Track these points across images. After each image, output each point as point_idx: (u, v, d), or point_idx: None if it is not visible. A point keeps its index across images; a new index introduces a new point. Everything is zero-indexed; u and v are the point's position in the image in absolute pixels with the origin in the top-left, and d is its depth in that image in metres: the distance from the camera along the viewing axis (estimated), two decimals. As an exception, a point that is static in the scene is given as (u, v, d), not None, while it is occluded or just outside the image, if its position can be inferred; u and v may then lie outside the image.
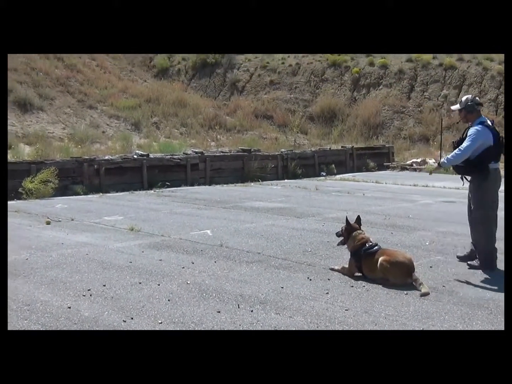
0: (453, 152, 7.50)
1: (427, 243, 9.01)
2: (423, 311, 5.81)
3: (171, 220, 11.11)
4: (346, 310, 5.85)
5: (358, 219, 7.50)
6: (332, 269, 7.40)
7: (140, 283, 6.78)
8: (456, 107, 7.92)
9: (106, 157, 17.78)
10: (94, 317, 5.62)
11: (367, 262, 6.96)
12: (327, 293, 6.43)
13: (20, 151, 20.18)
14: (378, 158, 24.65)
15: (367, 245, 7.07)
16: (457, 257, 7.94)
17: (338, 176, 21.27)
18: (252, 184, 18.68)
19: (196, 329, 5.30)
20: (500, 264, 7.10)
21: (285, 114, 32.80)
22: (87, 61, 33.90)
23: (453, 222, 10.78)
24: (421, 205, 13.56)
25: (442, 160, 7.83)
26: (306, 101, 34.59)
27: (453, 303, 6.11)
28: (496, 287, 6.59)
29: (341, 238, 7.47)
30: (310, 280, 6.96)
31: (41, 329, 5.28)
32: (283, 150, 22.48)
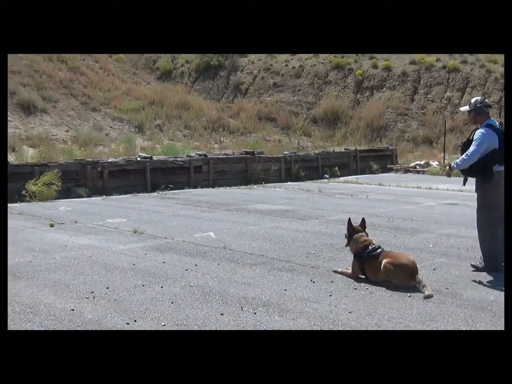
0: (461, 157, 7.53)
1: (430, 245, 9.00)
2: (426, 314, 5.80)
3: (175, 223, 11.11)
4: (349, 312, 5.85)
5: (363, 222, 7.49)
6: (335, 272, 7.40)
7: (143, 285, 6.78)
8: (465, 108, 7.92)
9: (110, 160, 17.79)
10: (98, 319, 5.62)
11: (370, 265, 6.96)
12: (330, 295, 6.43)
13: (24, 154, 20.20)
14: (381, 161, 24.63)
15: (370, 247, 7.07)
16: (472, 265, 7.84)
17: (341, 179, 21.24)
18: (255, 186, 18.68)
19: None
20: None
21: (289, 117, 32.81)
22: (90, 63, 33.95)
23: (457, 224, 10.76)
24: (424, 207, 13.54)
25: (452, 163, 7.83)
26: (309, 103, 34.59)
27: (457, 305, 6.10)
28: (500, 289, 6.57)
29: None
30: (313, 282, 6.95)
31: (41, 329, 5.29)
32: (286, 152, 22.46)
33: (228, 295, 6.40)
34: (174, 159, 18.77)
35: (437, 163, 24.10)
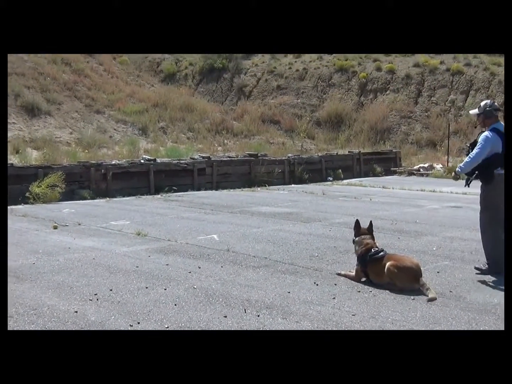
0: (464, 161, 7.61)
1: (434, 248, 8.98)
2: (430, 316, 5.79)
3: (178, 225, 11.11)
4: (353, 315, 5.84)
5: (370, 225, 7.45)
6: (339, 274, 7.40)
7: (146, 287, 6.78)
8: (474, 111, 7.96)
9: (113, 162, 17.82)
10: (101, 321, 5.62)
11: (373, 268, 6.95)
12: (334, 298, 6.42)
13: (28, 156, 20.26)
14: (385, 163, 24.61)
15: (372, 250, 7.06)
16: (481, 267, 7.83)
17: (345, 181, 21.25)
18: (259, 189, 18.68)
19: (202, 333, 5.30)
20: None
21: (292, 119, 32.83)
22: (94, 66, 34.03)
23: (460, 227, 10.75)
24: (428, 210, 13.52)
25: (457, 169, 7.87)
26: (313, 106, 34.60)
27: (460, 308, 6.09)
28: (504, 293, 6.55)
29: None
30: (317, 285, 6.95)
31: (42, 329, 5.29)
32: (290, 155, 22.47)
33: (231, 298, 6.39)
34: (177, 161, 18.78)
35: (441, 166, 24.08)
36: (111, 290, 6.68)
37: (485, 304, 6.24)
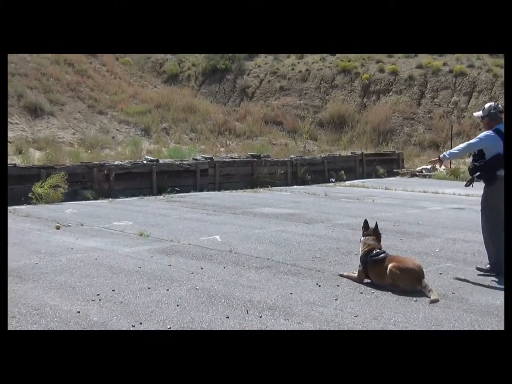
0: (458, 146, 7.87)
1: (436, 250, 8.98)
2: (432, 318, 5.79)
3: (180, 226, 11.11)
4: (355, 316, 5.83)
5: (375, 227, 7.44)
6: (341, 275, 7.39)
7: (149, 288, 6.79)
8: (479, 114, 8.05)
9: (116, 163, 17.83)
10: (103, 321, 5.62)
11: (375, 269, 6.94)
12: (336, 299, 6.42)
13: (30, 156, 20.28)
14: (387, 165, 24.58)
15: (374, 251, 7.05)
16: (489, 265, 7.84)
17: (347, 182, 21.24)
18: (261, 190, 18.67)
19: (204, 334, 5.30)
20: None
21: (295, 120, 32.83)
22: (97, 66, 34.06)
23: (463, 229, 10.74)
24: (430, 211, 13.51)
25: (444, 154, 8.03)
26: (316, 107, 34.61)
27: (463, 310, 6.08)
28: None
29: None
30: (319, 286, 6.94)
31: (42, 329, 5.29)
32: (292, 156, 22.46)
33: (233, 298, 6.39)
34: (180, 162, 18.79)
35: (444, 167, 24.04)
36: (113, 290, 6.68)
37: (488, 306, 6.24)
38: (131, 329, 5.42)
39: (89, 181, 16.26)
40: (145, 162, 18.13)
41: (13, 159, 19.17)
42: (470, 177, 7.93)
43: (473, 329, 5.51)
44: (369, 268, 7.02)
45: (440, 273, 7.56)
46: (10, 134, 23.09)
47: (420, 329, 5.48)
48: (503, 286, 6.79)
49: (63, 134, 25.23)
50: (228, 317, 5.75)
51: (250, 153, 22.27)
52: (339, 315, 5.86)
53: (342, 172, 22.33)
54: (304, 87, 36.05)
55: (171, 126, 29.59)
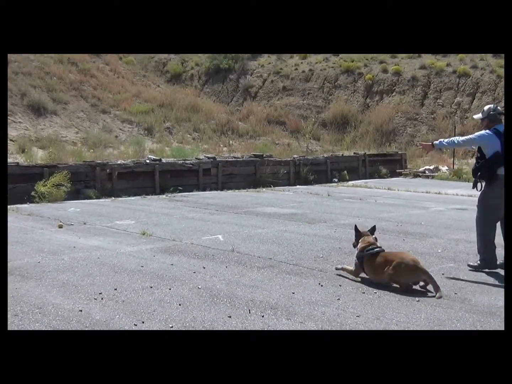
0: (451, 139, 8.07)
1: (439, 250, 8.97)
2: (434, 318, 5.78)
3: (183, 225, 11.12)
4: (357, 316, 5.83)
5: (373, 229, 7.56)
6: (337, 269, 7.45)
7: (151, 287, 6.79)
8: (478, 116, 8.18)
9: (119, 162, 17.84)
10: (105, 320, 5.62)
11: (370, 263, 7.03)
12: (339, 299, 6.41)
13: (33, 155, 20.29)
14: (390, 165, 24.58)
15: (370, 246, 7.12)
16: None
17: (350, 183, 21.23)
18: (264, 189, 18.67)
19: (206, 333, 5.30)
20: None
21: (298, 120, 32.81)
22: (100, 66, 34.09)
23: (466, 230, 10.73)
24: (433, 212, 13.50)
25: (438, 141, 8.22)
26: (319, 107, 34.59)
27: (465, 310, 6.07)
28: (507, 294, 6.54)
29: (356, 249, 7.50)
30: (322, 286, 6.94)
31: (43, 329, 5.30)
32: (295, 156, 22.46)
33: (236, 298, 6.39)
34: (183, 161, 18.80)
35: (447, 168, 24.05)
36: (115, 289, 6.68)
37: (490, 306, 6.23)
38: (133, 327, 5.42)
39: (92, 180, 16.28)
40: (148, 161, 18.14)
41: (16, 158, 19.20)
42: (474, 179, 8.04)
43: (475, 329, 5.51)
44: (364, 263, 7.09)
45: (443, 274, 7.56)
46: (13, 133, 23.12)
47: (422, 329, 5.48)
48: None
49: (66, 133, 25.25)
50: (230, 317, 5.75)
51: (253, 153, 22.28)
52: (341, 315, 5.86)
53: (345, 172, 22.34)
54: (307, 87, 36.03)
55: (174, 125, 29.60)
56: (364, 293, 6.67)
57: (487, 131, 7.78)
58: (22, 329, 5.33)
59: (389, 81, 34.35)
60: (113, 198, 15.60)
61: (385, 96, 33.97)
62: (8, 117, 23.84)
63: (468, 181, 8.29)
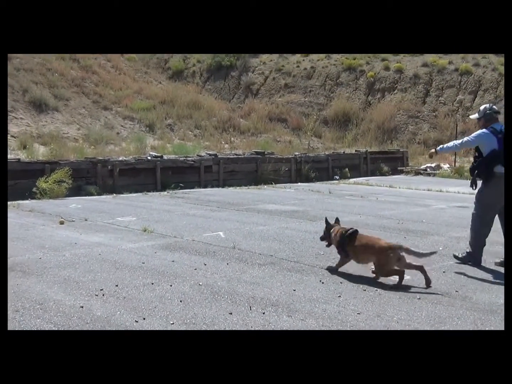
0: (450, 143, 8.27)
1: (440, 248, 8.96)
2: (435, 316, 5.78)
3: (184, 222, 11.12)
4: (358, 313, 5.83)
5: (337, 220, 7.82)
6: (331, 271, 7.53)
7: (152, 283, 6.79)
8: (475, 116, 8.32)
9: (120, 158, 17.84)
10: (106, 316, 5.63)
11: (352, 244, 7.24)
12: (339, 296, 6.41)
13: (35, 151, 20.30)
14: (392, 163, 24.59)
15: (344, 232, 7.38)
16: (495, 263, 7.98)
17: (351, 180, 21.23)
18: (265, 186, 18.68)
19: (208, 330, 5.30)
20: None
21: (299, 118, 32.81)
22: (102, 62, 34.08)
23: (467, 227, 10.63)
24: (434, 210, 13.50)
25: (439, 147, 8.51)
26: (320, 104, 34.58)
27: (466, 308, 6.07)
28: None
29: (325, 242, 7.81)
30: (323, 283, 6.94)
31: (44, 329, 5.30)
32: (297, 153, 22.47)
33: (237, 295, 6.40)
34: (184, 158, 18.80)
35: (448, 165, 24.04)
36: (117, 285, 6.69)
37: (491, 304, 6.23)
38: (134, 324, 5.42)
39: (93, 177, 16.29)
40: (149, 158, 18.15)
41: (17, 154, 19.22)
42: (472, 177, 8.13)
43: (476, 327, 5.51)
44: (347, 246, 7.28)
45: (444, 271, 7.56)
46: (14, 129, 23.13)
47: (423, 326, 5.48)
48: (506, 285, 6.82)
49: (67, 130, 25.25)
50: (231, 313, 5.75)
51: (254, 150, 22.28)
52: (342, 312, 5.86)
53: (347, 169, 22.35)
54: (309, 85, 36.02)
55: (175, 122, 29.60)
56: (365, 290, 6.67)
57: (484, 130, 7.88)
58: (23, 325, 5.34)
59: (391, 79, 34.33)
60: (114, 194, 15.61)
61: (386, 93, 33.96)
62: (10, 113, 23.86)
63: (469, 179, 8.33)
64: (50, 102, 26.74)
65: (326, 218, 7.83)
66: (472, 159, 8.09)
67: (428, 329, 5.42)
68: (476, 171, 7.95)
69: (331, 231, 7.61)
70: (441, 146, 8.54)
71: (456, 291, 6.69)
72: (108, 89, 30.80)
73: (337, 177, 21.69)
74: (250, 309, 5.91)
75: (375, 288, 6.72)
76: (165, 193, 16.33)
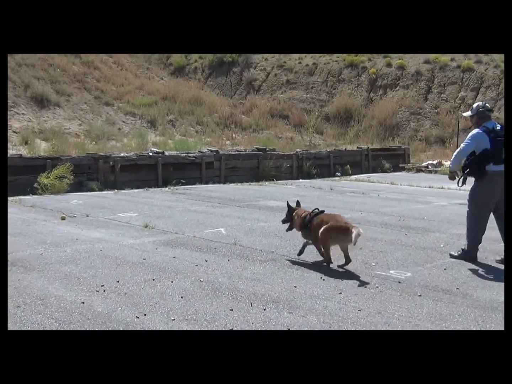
0: (453, 155, 8.18)
1: (441, 245, 8.97)
2: (436, 313, 5.79)
3: (185, 218, 11.12)
4: (359, 310, 5.84)
5: (298, 203, 8.29)
6: (316, 263, 7.76)
7: (153, 279, 6.80)
8: (468, 113, 8.38)
9: (122, 154, 17.85)
10: (107, 312, 5.64)
11: (315, 228, 7.54)
12: (340, 293, 6.42)
13: (36, 147, 20.30)
14: (393, 160, 24.57)
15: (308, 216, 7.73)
16: (496, 260, 8.00)
17: (353, 177, 21.22)
18: (266, 183, 18.67)
19: (208, 326, 5.31)
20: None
21: (301, 114, 32.78)
22: (104, 58, 34.05)
23: (468, 225, 10.71)
24: (436, 207, 13.50)
25: (450, 168, 8.46)
26: (322, 101, 34.54)
27: (467, 305, 6.08)
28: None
29: (287, 224, 8.20)
30: (323, 280, 6.94)
31: (45, 324, 5.31)
32: (298, 150, 22.47)
33: (238, 291, 6.40)
34: (186, 154, 18.81)
35: (449, 162, 23.98)
36: (118, 281, 6.69)
37: (492, 301, 6.23)
38: (135, 320, 5.43)
39: (95, 173, 16.30)
40: (150, 154, 18.16)
41: (19, 150, 19.24)
42: (461, 175, 8.20)
43: (477, 324, 5.51)
44: (311, 228, 7.59)
45: (445, 269, 7.56)
46: (16, 125, 23.14)
47: (423, 323, 5.48)
48: (507, 282, 6.81)
49: (69, 125, 25.25)
50: (232, 310, 5.76)
51: (256, 147, 22.29)
52: (343, 309, 5.87)
53: (348, 166, 22.34)
54: (310, 81, 35.98)
55: (177, 118, 29.59)
56: (366, 287, 6.67)
57: (478, 130, 7.89)
58: (25, 320, 5.34)
59: (393, 76, 34.28)
60: (115, 190, 15.62)
61: (388, 90, 33.91)
62: (12, 109, 23.87)
63: (469, 176, 8.36)
64: (52, 98, 26.73)
65: (287, 202, 8.23)
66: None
67: (429, 326, 5.42)
68: (468, 169, 7.99)
69: (293, 214, 7.96)
70: (449, 165, 8.46)
71: (457, 288, 6.70)
72: (110, 85, 30.78)
73: (339, 174, 21.68)
74: (251, 306, 5.91)
75: (376, 285, 6.73)
76: (167, 189, 16.33)
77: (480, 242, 8.04)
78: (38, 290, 6.33)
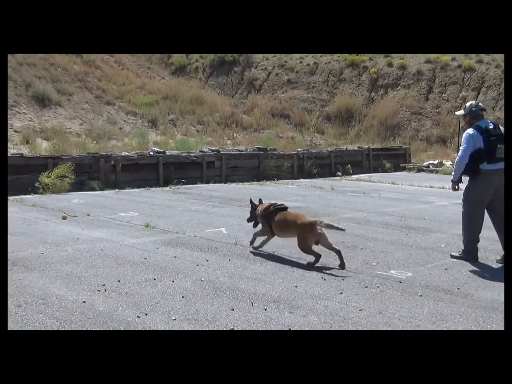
0: (455, 164, 8.13)
1: (442, 245, 8.97)
2: (437, 313, 5.79)
3: (186, 217, 11.13)
4: (360, 310, 5.84)
5: (260, 201, 8.61)
6: (253, 246, 8.33)
7: (154, 279, 6.80)
8: (460, 112, 8.43)
9: (123, 154, 17.85)
10: (109, 312, 5.64)
11: (278, 220, 7.92)
12: (341, 293, 6.42)
13: (38, 146, 20.29)
14: (394, 159, 24.56)
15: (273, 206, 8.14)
16: (497, 260, 8.03)
17: (354, 177, 21.21)
18: (267, 182, 18.67)
19: (209, 326, 5.31)
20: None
21: (302, 114, 32.76)
22: (105, 57, 34.03)
23: (469, 225, 10.71)
24: (437, 206, 13.49)
25: (452, 178, 8.34)
26: (323, 100, 34.52)
27: (468, 305, 6.08)
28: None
29: (252, 222, 8.56)
30: (324, 280, 6.95)
31: (46, 324, 5.31)
32: (299, 149, 22.46)
33: (238, 291, 6.41)
34: (187, 154, 18.81)
35: (451, 162, 23.98)
36: (119, 281, 6.70)
37: (493, 301, 6.24)
38: (136, 319, 5.43)
39: (96, 172, 16.30)
40: (151, 153, 18.16)
41: (20, 149, 19.23)
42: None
43: (477, 324, 5.52)
44: (272, 221, 7.90)
45: (446, 269, 7.57)
46: (17, 124, 23.14)
47: (424, 323, 5.49)
48: (508, 282, 6.81)
49: (70, 125, 25.24)
50: (233, 309, 5.77)
51: (257, 146, 22.28)
52: (344, 309, 5.87)
53: (349, 166, 22.33)
54: (312, 81, 35.96)
55: (178, 117, 29.58)
56: (366, 287, 6.68)
57: (472, 130, 7.87)
58: (26, 320, 5.35)
59: (394, 75, 34.26)
60: (116, 190, 15.62)
61: (389, 90, 33.89)
62: (13, 108, 23.87)
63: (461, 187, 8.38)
64: (53, 97, 26.72)
65: (251, 199, 8.57)
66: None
67: (430, 326, 5.43)
68: (465, 168, 7.98)
69: (256, 210, 8.29)
70: (452, 175, 8.29)
71: (458, 288, 6.70)
72: (111, 84, 30.78)
73: (340, 174, 21.68)
74: (252, 305, 5.92)
75: (377, 285, 6.73)
76: (168, 188, 16.33)
77: (479, 241, 8.06)
78: (39, 289, 6.33)
